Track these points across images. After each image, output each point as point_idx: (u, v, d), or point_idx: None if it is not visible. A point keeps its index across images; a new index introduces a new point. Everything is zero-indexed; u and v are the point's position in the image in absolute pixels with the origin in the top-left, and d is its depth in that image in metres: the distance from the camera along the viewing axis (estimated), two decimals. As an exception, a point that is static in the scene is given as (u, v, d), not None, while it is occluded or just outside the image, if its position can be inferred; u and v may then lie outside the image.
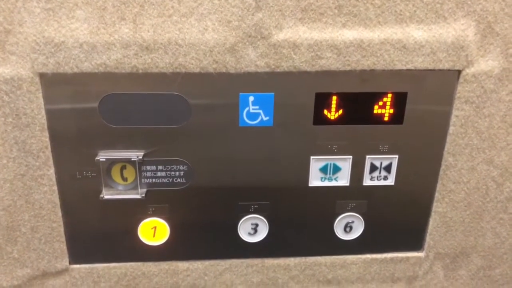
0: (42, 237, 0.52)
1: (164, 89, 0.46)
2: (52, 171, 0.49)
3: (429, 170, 0.53)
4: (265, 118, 0.48)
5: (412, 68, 0.47)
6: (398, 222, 0.56)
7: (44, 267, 0.53)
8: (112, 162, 0.49)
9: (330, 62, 0.46)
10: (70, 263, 0.54)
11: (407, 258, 0.58)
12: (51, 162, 0.48)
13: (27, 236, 0.51)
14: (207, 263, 0.56)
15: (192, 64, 0.45)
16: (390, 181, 0.53)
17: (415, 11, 0.44)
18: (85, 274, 0.55)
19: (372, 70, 0.47)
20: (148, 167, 0.50)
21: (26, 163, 0.48)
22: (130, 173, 0.50)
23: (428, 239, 0.56)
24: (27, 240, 0.51)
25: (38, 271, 0.53)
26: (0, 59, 0.43)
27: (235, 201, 0.53)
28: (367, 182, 0.52)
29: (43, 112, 0.46)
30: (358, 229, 0.55)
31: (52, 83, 0.45)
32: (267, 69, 0.46)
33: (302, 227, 0.55)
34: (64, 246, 0.53)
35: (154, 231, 0.53)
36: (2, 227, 0.50)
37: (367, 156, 0.51)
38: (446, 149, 0.51)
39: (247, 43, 0.44)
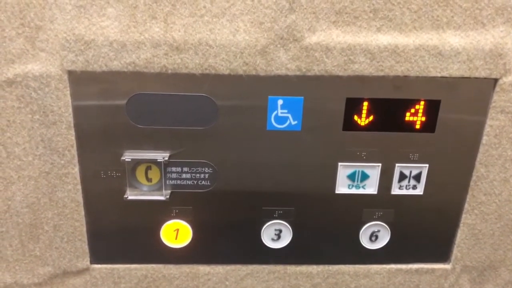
0: (65, 236, 0.51)
1: (193, 90, 0.45)
2: (76, 169, 0.48)
3: (460, 181, 0.51)
4: (293, 122, 0.47)
5: (447, 75, 0.45)
6: (425, 232, 0.54)
7: (65, 266, 0.53)
8: (137, 162, 0.48)
9: (363, 67, 0.44)
10: (91, 263, 0.54)
11: (433, 270, 0.56)
12: (76, 160, 0.48)
13: (49, 234, 0.51)
14: (228, 267, 0.55)
15: (222, 65, 0.44)
16: (419, 191, 0.51)
17: (452, 16, 0.43)
18: (105, 274, 0.54)
19: (406, 76, 0.45)
20: (173, 169, 0.49)
21: (51, 161, 0.47)
22: (155, 174, 0.49)
23: (456, 251, 0.55)
24: (49, 238, 0.51)
25: (59, 270, 0.53)
26: (30, 56, 0.43)
27: (259, 205, 0.52)
28: (395, 191, 0.51)
29: (70, 110, 0.45)
30: (384, 239, 0.54)
31: (80, 81, 0.44)
32: (297, 73, 0.45)
33: (327, 235, 0.54)
34: (85, 246, 0.52)
35: (176, 233, 0.52)
36: (25, 224, 0.50)
37: (397, 164, 0.50)
38: (478, 159, 0.50)
39: (278, 46, 0.43)
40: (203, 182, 0.50)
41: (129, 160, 0.48)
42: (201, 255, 0.54)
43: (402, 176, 0.50)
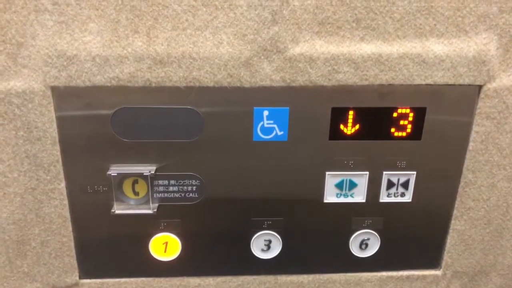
0: (52, 252, 0.51)
1: (178, 103, 0.45)
2: (63, 185, 0.48)
3: (448, 187, 0.51)
4: (279, 133, 0.47)
5: (432, 83, 0.45)
6: (415, 239, 0.54)
7: (54, 281, 0.53)
8: (123, 176, 0.48)
9: (347, 76, 0.44)
10: (80, 278, 0.53)
11: (424, 276, 0.56)
12: (62, 176, 0.47)
13: (37, 251, 0.51)
14: (219, 279, 0.55)
15: (206, 78, 0.44)
16: (408, 198, 0.51)
17: (435, 24, 0.43)
18: (95, 289, 0.54)
19: (391, 84, 0.45)
20: (160, 182, 0.49)
21: (37, 176, 0.47)
22: (142, 187, 0.49)
23: (446, 257, 0.55)
24: (37, 254, 0.51)
25: (47, 286, 0.53)
26: (12, 72, 0.43)
27: (248, 217, 0.51)
28: (383, 198, 0.51)
29: (55, 125, 0.45)
30: (374, 246, 0.54)
31: (64, 97, 0.44)
32: (282, 84, 0.45)
33: (317, 244, 0.53)
34: (74, 261, 0.52)
35: (165, 246, 0.52)
36: (12, 241, 0.50)
37: (384, 172, 0.50)
38: (465, 165, 0.50)
39: (262, 57, 0.43)
40: (190, 195, 0.50)
41: (115, 174, 0.47)
42: (191, 268, 0.54)
43: (390, 184, 0.50)
